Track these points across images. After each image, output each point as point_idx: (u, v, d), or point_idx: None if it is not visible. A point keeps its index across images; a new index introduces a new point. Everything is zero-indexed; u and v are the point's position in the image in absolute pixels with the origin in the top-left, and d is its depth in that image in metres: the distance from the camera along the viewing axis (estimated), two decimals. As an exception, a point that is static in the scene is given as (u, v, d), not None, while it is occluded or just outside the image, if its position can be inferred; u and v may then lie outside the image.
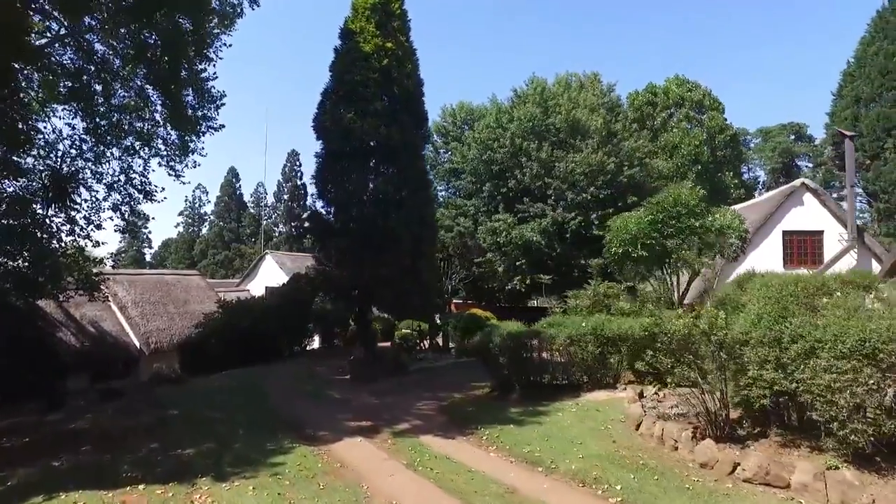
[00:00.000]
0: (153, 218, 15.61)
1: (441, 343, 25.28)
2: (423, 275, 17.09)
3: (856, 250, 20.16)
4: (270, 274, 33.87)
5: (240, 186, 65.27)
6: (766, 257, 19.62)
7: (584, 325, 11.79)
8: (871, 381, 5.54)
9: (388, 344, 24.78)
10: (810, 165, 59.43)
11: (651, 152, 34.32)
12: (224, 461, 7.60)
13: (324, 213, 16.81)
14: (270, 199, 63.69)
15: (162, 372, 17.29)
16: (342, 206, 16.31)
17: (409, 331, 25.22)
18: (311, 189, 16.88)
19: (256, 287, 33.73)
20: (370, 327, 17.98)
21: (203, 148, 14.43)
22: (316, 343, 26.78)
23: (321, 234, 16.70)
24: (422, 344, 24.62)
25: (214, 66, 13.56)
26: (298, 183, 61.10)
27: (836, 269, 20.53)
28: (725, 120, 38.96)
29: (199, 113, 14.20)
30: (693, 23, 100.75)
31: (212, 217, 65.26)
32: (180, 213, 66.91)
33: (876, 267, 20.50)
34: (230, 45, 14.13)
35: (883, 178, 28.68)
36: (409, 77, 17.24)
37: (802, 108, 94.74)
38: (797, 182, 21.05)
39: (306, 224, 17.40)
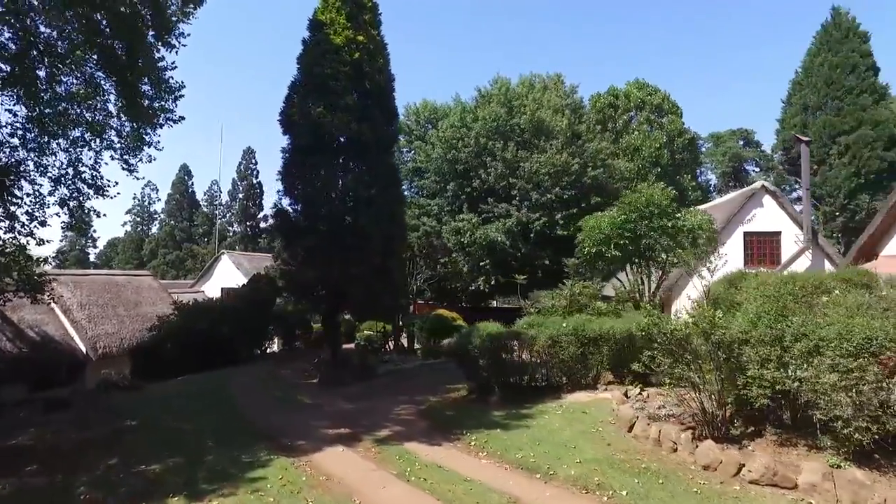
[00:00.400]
0: (104, 215, 14.56)
1: (406, 344, 24.83)
2: (393, 274, 16.63)
3: (810, 251, 20.95)
4: (227, 274, 32.57)
5: (192, 184, 62.85)
6: (728, 257, 20.11)
7: (564, 325, 11.64)
8: (877, 380, 5.51)
9: (352, 346, 24.15)
10: (758, 170, 61.96)
11: (613, 154, 34.88)
12: (197, 477, 6.97)
13: (291, 210, 16.08)
14: (225, 198, 61.58)
15: (110, 378, 16.15)
16: (310, 203, 15.65)
17: (371, 332, 24.67)
18: (278, 185, 16.18)
19: (212, 288, 32.36)
20: (338, 329, 17.34)
21: (159, 141, 13.54)
22: (276, 346, 25.84)
23: (288, 233, 15.96)
24: (386, 345, 24.12)
25: (176, 52, 12.68)
26: (254, 181, 59.25)
27: (793, 269, 21.31)
28: (683, 124, 40.15)
29: (157, 104, 13.32)
30: (651, 29, 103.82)
31: (162, 216, 62.47)
32: (128, 212, 63.81)
33: (829, 267, 21.35)
34: (189, 35, 13.27)
35: (828, 182, 30.02)
36: (381, 72, 16.74)
37: (750, 115, 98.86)
38: (757, 184, 21.72)
39: (272, 222, 16.58)
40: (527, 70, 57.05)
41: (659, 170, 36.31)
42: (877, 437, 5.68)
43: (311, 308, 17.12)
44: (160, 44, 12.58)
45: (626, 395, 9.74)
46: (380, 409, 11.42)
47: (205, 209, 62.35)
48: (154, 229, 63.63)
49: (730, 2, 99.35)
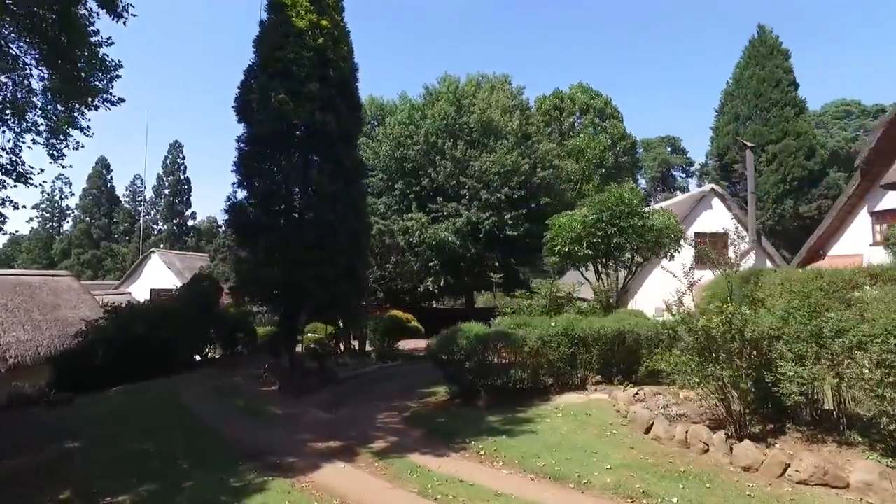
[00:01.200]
0: (22, 206, 12.72)
1: (358, 347, 23.85)
2: (360, 274, 15.75)
3: (755, 252, 21.99)
4: (157, 275, 30.14)
5: (111, 178, 57.89)
6: (680, 257, 20.71)
7: (553, 325, 11.31)
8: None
9: (298, 349, 22.86)
10: (683, 175, 65.28)
11: (559, 155, 35.41)
12: (185, 509, 5.94)
13: (248, 205, 14.80)
14: (149, 194, 57.19)
15: (23, 391, 14.20)
16: (270, 197, 14.49)
17: (317, 335, 23.45)
18: (233, 178, 14.78)
19: (140, 290, 29.82)
20: (295, 333, 16.18)
21: (89, 126, 11.99)
22: (215, 352, 24.02)
23: (245, 229, 14.68)
24: (337, 349, 23.03)
25: (125, 23, 11.22)
26: (182, 177, 55.42)
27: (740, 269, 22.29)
28: (625, 128, 41.54)
29: (93, 83, 11.78)
30: (589, 33, 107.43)
31: (77, 212, 57.08)
32: (35, 207, 57.86)
33: (770, 267, 22.51)
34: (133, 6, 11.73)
35: (759, 188, 31.77)
36: (345, 60, 15.83)
37: (676, 123, 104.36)
38: (707, 187, 22.56)
39: (226, 217, 15.19)
40: (471, 70, 57.06)
41: (603, 171, 37.27)
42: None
43: (270, 310, 15.86)
44: (104, 10, 11.08)
45: (635, 396, 9.44)
46: (361, 418, 10.60)
47: (126, 205, 57.69)
48: (67, 226, 58.13)
49: (660, 16, 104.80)
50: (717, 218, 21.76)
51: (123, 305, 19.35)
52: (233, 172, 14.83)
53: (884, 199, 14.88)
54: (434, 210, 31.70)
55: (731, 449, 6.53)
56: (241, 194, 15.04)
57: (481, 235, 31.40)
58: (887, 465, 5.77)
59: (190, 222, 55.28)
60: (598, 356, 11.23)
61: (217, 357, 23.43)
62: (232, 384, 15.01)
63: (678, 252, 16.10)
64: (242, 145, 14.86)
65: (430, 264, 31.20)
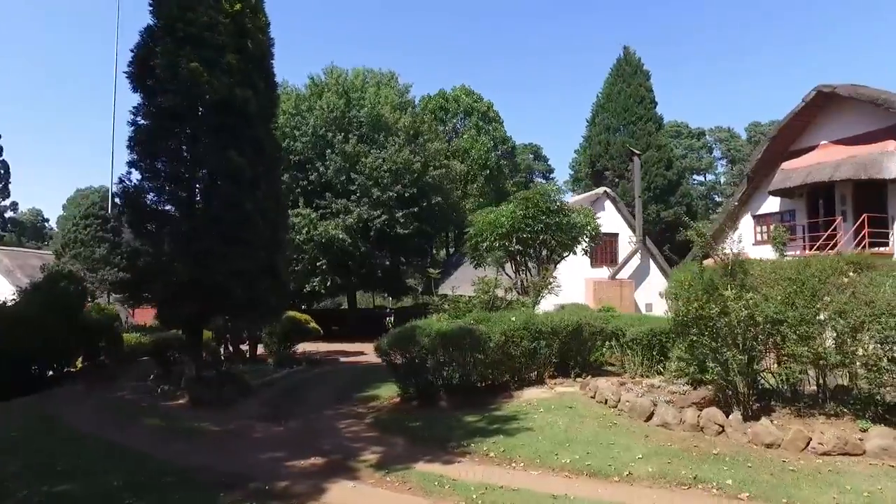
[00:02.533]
0: None
1: (249, 352, 21.72)
2: (280, 270, 14.20)
3: (640, 252, 24.12)
4: (-22, 275, 24.70)
5: None
6: (575, 256, 21.97)
7: (513, 319, 11.15)
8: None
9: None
10: (543, 181, 69.78)
11: (447, 155, 35.75)
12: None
13: (147, 189, 12.56)
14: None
15: None
16: (179, 181, 12.45)
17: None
18: (127, 156, 12.41)
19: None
20: (201, 338, 14.09)
21: None
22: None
23: (144, 218, 12.44)
24: (224, 353, 20.73)
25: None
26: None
27: (628, 267, 24.28)
28: (506, 132, 43.26)
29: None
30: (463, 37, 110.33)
31: None
32: None
33: (653, 266, 24.85)
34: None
35: (628, 194, 35.05)
36: (263, 32, 14.20)
37: (540, 131, 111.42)
38: (600, 190, 24.23)
39: (117, 202, 12.73)
40: (356, 64, 55.56)
41: (487, 172, 38.39)
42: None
43: (171, 314, 13.52)
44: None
45: (622, 384, 9.56)
46: (322, 429, 9.50)
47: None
48: None
49: (531, 34, 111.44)
50: (609, 219, 23.44)
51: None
52: (128, 151, 12.49)
53: (764, 205, 17.19)
54: (322, 206, 30.12)
55: (748, 429, 6.84)
56: (136, 175, 12.72)
57: (372, 233, 30.51)
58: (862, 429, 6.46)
59: (9, 214, 46.33)
60: (557, 350, 11.31)
61: (75, 370, 19.78)
62: (121, 401, 12.77)
63: (589, 248, 17.01)
64: (141, 119, 12.59)
65: (317, 263, 29.57)
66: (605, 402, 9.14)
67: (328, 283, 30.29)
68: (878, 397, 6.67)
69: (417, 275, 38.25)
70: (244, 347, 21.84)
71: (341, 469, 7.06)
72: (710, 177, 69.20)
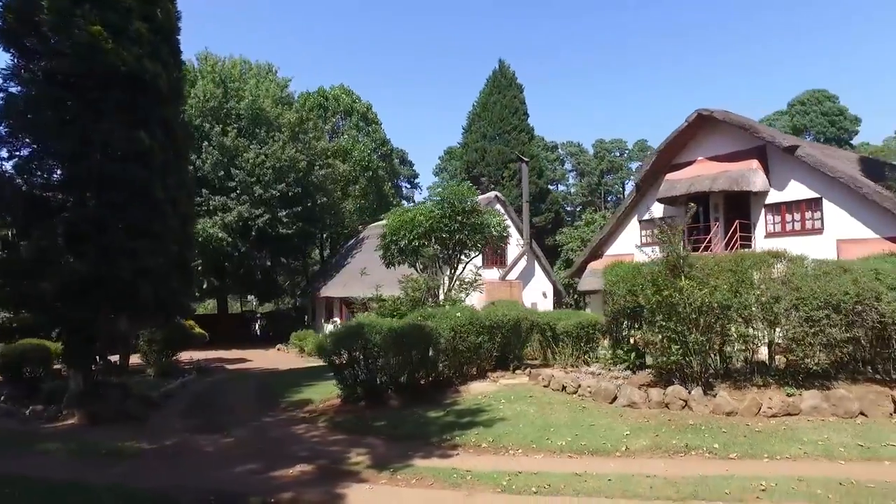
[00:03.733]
0: None
1: (119, 361, 19.08)
2: (190, 267, 12.81)
3: (527, 255, 25.69)
4: None
5: None
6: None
7: (458, 315, 11.30)
8: (840, 325, 7.64)
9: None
10: (408, 186, 70.99)
11: (331, 154, 34.77)
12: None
13: (35, 171, 10.54)
14: None
15: None
16: (77, 163, 10.60)
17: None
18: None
19: None
20: (93, 346, 12.06)
21: None
22: None
23: (32, 205, 10.41)
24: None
25: None
26: None
27: (516, 269, 25.70)
28: (385, 135, 43.11)
29: None
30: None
31: None
32: None
33: (537, 267, 26.61)
34: None
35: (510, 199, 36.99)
36: (172, 2, 12.79)
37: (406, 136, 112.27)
38: (491, 194, 25.30)
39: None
40: (232, 52, 51.19)
41: (369, 174, 38.00)
42: (827, 364, 7.87)
43: (57, 318, 11.30)
44: None
45: (569, 374, 10.13)
46: (279, 437, 8.76)
47: None
48: None
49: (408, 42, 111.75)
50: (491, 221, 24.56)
51: None
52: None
53: (649, 210, 19.43)
54: (198, 203, 27.46)
55: (709, 401, 7.80)
56: (5, 154, 10.64)
57: (253, 233, 28.60)
58: (797, 394, 7.78)
59: None
60: (499, 344, 11.69)
61: None
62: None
63: (504, 248, 17.79)
64: (19, 85, 10.56)
65: (192, 264, 26.87)
66: (563, 390, 9.71)
67: (204, 286, 27.73)
68: (802, 366, 8.06)
69: (297, 277, 36.60)
70: (112, 358, 19.09)
71: (339, 474, 6.61)
72: (561, 187, 75.74)
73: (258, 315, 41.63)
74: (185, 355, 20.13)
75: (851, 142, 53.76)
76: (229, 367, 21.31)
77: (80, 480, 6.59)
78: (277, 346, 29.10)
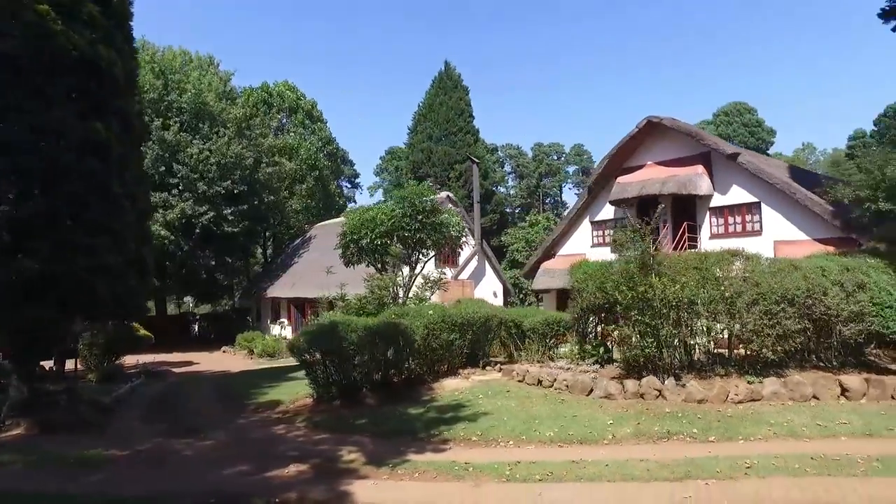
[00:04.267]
0: None
1: (55, 367, 17.79)
2: (148, 265, 12.19)
3: (478, 255, 26.10)
4: None
5: None
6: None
7: (430, 313, 11.40)
8: (793, 318, 8.37)
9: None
10: (349, 186, 70.16)
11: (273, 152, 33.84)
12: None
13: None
14: None
15: None
16: (25, 152, 9.84)
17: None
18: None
19: None
20: (38, 350, 11.21)
21: None
22: None
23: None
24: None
25: None
26: None
27: (469, 268, 26.05)
28: (331, 134, 42.34)
29: None
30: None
31: None
32: None
33: (488, 267, 27.08)
34: None
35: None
36: (126, -13, 12.15)
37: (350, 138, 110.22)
38: (443, 194, 25.48)
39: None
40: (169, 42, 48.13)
41: (317, 173, 37.24)
42: (781, 353, 8.60)
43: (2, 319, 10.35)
44: None
45: (541, 367, 10.43)
46: (261, 438, 8.58)
47: None
48: None
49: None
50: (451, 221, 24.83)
51: None
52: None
53: (601, 212, 20.23)
54: (136, 199, 26.02)
55: (681, 390, 8.32)
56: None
57: (197, 231, 27.39)
58: (758, 382, 8.47)
59: None
60: (470, 341, 11.87)
61: None
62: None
63: (461, 248, 17.99)
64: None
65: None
66: (539, 384, 10.02)
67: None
68: (760, 356, 8.77)
69: (239, 277, 35.30)
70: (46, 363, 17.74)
71: (337, 472, 6.57)
72: (501, 189, 77.14)
73: (197, 317, 39.92)
74: (129, 359, 19.07)
75: (768, 151, 58.13)
76: (177, 370, 20.39)
77: (62, 492, 6.20)
78: (223, 348, 28.04)
